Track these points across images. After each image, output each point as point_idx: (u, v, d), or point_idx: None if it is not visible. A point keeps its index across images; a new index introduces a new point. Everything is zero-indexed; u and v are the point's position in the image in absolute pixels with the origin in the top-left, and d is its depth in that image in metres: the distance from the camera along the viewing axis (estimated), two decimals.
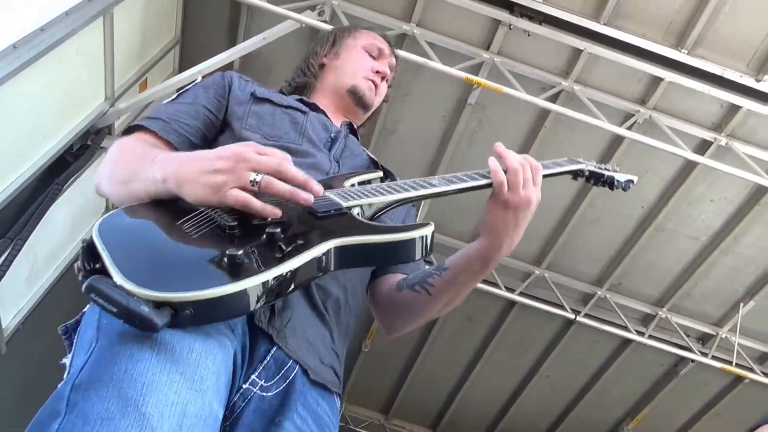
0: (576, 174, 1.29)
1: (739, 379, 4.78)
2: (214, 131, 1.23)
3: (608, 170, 1.30)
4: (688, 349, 4.73)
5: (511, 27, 3.54)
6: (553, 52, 3.67)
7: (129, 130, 1.16)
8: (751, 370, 4.66)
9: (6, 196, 2.60)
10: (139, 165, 0.97)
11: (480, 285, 4.51)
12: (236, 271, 0.78)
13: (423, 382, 5.62)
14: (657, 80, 3.64)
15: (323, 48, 1.51)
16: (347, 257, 0.90)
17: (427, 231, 0.95)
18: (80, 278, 0.79)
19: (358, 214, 0.98)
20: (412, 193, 1.05)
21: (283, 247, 0.84)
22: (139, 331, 0.74)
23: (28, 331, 3.10)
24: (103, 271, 0.78)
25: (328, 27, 3.36)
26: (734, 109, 3.68)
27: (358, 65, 1.46)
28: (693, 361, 4.74)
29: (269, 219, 0.88)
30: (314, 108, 1.35)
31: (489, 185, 1.07)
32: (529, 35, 3.57)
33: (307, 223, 0.92)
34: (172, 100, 1.24)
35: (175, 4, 3.73)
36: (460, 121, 4.00)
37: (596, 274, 4.72)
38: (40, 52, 2.46)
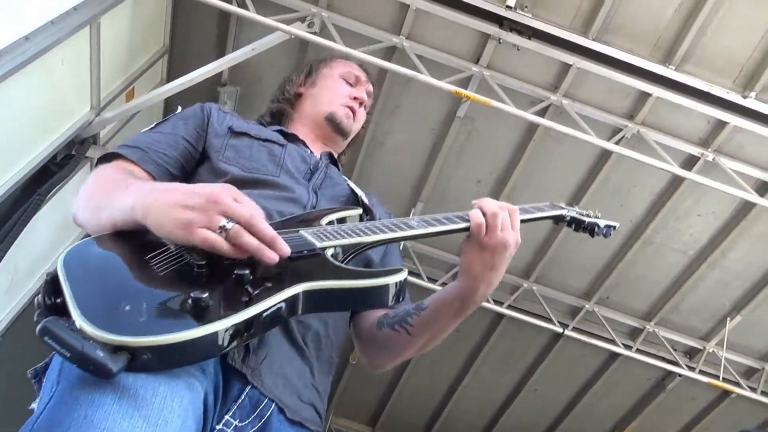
0: (557, 219, 1.31)
1: (726, 393, 4.78)
2: (193, 163, 1.22)
3: (589, 216, 1.32)
4: (676, 363, 4.74)
5: (501, 41, 3.55)
6: (542, 66, 3.68)
7: (107, 158, 1.14)
8: (737, 384, 4.67)
9: None
10: (114, 192, 0.96)
11: None
12: (199, 316, 0.76)
13: (411, 394, 5.59)
14: (645, 95, 3.66)
15: (299, 77, 1.51)
16: (317, 301, 0.88)
17: (400, 277, 0.93)
18: (36, 317, 0.77)
19: (332, 255, 0.96)
20: (389, 235, 1.04)
21: (250, 290, 0.82)
22: (95, 377, 0.72)
23: (7, 344, 3.05)
24: (63, 308, 0.76)
25: (317, 39, 3.36)
26: (721, 124, 3.71)
27: (334, 93, 1.47)
28: (680, 375, 4.74)
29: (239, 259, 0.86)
30: (293, 139, 1.35)
31: (466, 229, 1.06)
32: (518, 49, 3.58)
33: (279, 263, 0.89)
34: (151, 129, 1.23)
35: (163, 14, 3.71)
36: (449, 133, 3.99)
37: (584, 287, 4.72)
38: (24, 61, 2.43)
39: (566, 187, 4.20)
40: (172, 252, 0.87)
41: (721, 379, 4.61)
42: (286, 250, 0.87)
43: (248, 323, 0.80)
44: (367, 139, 4.05)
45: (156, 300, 0.80)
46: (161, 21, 3.73)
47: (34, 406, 0.85)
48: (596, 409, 5.37)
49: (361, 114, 1.49)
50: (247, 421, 0.92)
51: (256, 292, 0.82)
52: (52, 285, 0.79)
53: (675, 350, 4.83)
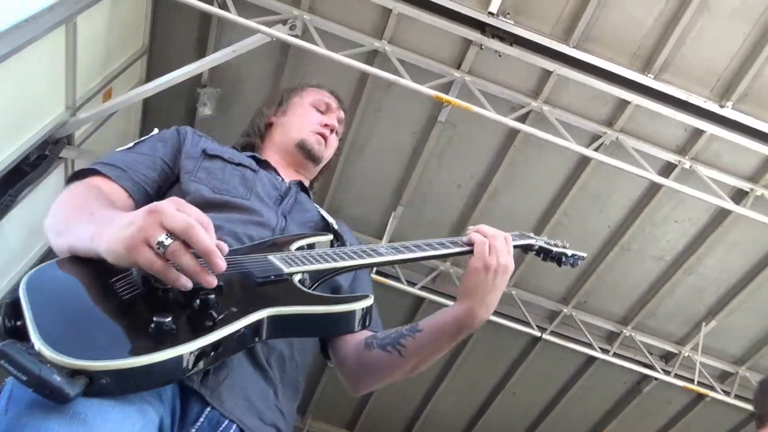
0: (526, 249, 1.33)
1: (701, 397, 4.85)
2: (168, 184, 1.22)
3: (557, 246, 1.34)
4: (651, 367, 4.79)
5: (482, 47, 3.56)
6: (524, 72, 3.69)
7: (82, 174, 1.12)
8: (712, 388, 4.74)
9: None
10: (78, 217, 0.94)
11: (447, 301, 4.53)
12: (161, 340, 0.76)
13: (389, 398, 5.58)
14: (624, 103, 3.70)
15: (270, 109, 1.52)
16: (282, 326, 0.88)
17: (366, 303, 0.94)
18: None
19: (299, 281, 0.96)
20: (357, 262, 1.05)
21: (215, 314, 0.81)
22: (51, 401, 0.70)
23: None
24: (23, 331, 0.74)
25: (298, 42, 3.34)
26: (698, 133, 3.76)
27: (305, 120, 1.48)
28: (656, 379, 4.80)
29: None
30: (265, 165, 1.36)
31: (438, 257, 1.10)
32: (499, 56, 3.59)
33: (245, 287, 0.90)
34: (129, 148, 1.23)
35: (143, 13, 3.66)
36: (430, 138, 4.00)
37: (563, 291, 4.76)
38: None
39: (546, 193, 4.23)
40: (136, 276, 0.86)
41: (695, 382, 4.67)
42: (222, 266, 0.82)
43: (212, 347, 0.79)
44: (347, 143, 4.04)
45: (118, 324, 0.79)
46: (141, 21, 3.68)
47: None
48: (573, 412, 5.41)
49: (333, 140, 1.49)
50: None
51: (220, 316, 0.81)
52: (12, 308, 0.78)
53: (651, 354, 4.88)
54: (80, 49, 2.98)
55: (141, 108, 4.03)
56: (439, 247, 1.11)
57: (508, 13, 3.45)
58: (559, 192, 4.20)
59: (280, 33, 3.33)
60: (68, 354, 0.71)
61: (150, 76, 3.86)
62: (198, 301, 0.82)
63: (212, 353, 0.80)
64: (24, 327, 0.75)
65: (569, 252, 1.34)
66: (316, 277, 1.01)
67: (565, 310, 4.77)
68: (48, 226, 1.00)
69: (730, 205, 3.73)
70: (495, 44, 3.52)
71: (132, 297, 0.83)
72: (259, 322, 0.85)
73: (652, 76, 3.55)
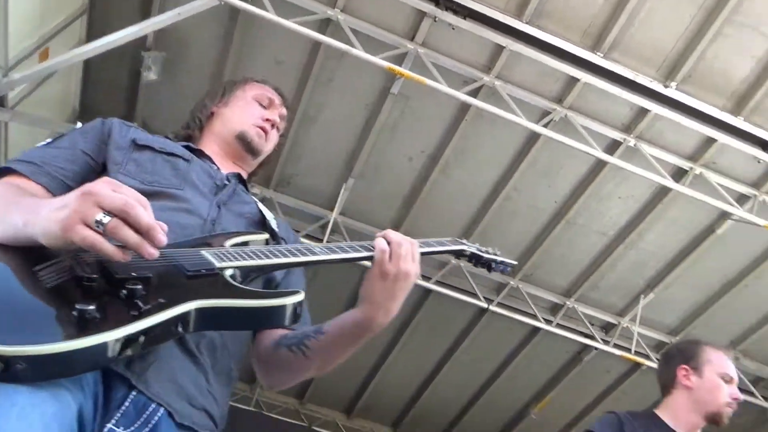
0: (458, 254, 1.36)
1: (637, 366, 5.08)
2: (94, 176, 1.18)
3: (488, 253, 1.37)
4: (592, 337, 4.98)
5: (436, 19, 3.53)
6: (477, 47, 3.69)
7: None
8: (647, 357, 4.96)
9: None
10: (4, 209, 0.91)
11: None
12: (82, 328, 0.75)
13: (337, 368, 5.59)
14: (573, 81, 3.75)
15: (212, 100, 1.48)
16: (210, 319, 0.89)
17: (296, 299, 0.95)
18: None
19: (231, 276, 0.96)
20: (291, 260, 1.06)
21: (141, 304, 0.81)
22: None
23: None
24: None
25: (247, 6, 3.23)
26: (643, 112, 3.85)
27: (247, 113, 1.45)
28: (596, 348, 4.99)
29: (133, 274, 0.85)
30: (200, 155, 1.33)
31: (369, 258, 1.09)
32: (453, 29, 3.57)
33: (175, 281, 0.89)
34: (47, 144, 1.19)
35: None
36: (383, 110, 3.97)
37: None
38: None
39: (496, 168, 4.28)
40: (63, 264, 0.85)
41: (633, 352, 4.88)
42: (162, 239, 0.84)
43: (138, 336, 0.79)
44: (299, 113, 3.97)
45: (39, 311, 0.78)
46: None
47: None
48: (518, 380, 5.59)
49: (273, 135, 1.48)
50: (132, 428, 0.89)
51: (146, 306, 0.81)
52: None
53: (592, 325, 5.07)
54: (11, 4, 2.81)
55: (81, 70, 3.85)
56: (370, 248, 1.11)
57: None
58: (509, 167, 4.25)
59: None
60: None
61: (90, 37, 3.68)
62: (124, 291, 0.82)
63: (139, 342, 0.80)
64: None
65: (499, 259, 1.38)
66: (248, 273, 1.02)
67: (512, 283, 4.88)
68: None
69: (670, 183, 3.86)
70: (449, 17, 3.50)
71: (56, 285, 0.82)
72: (186, 314, 0.85)
73: (602, 55, 3.60)
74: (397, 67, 3.44)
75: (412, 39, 3.67)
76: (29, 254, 0.85)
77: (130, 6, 3.69)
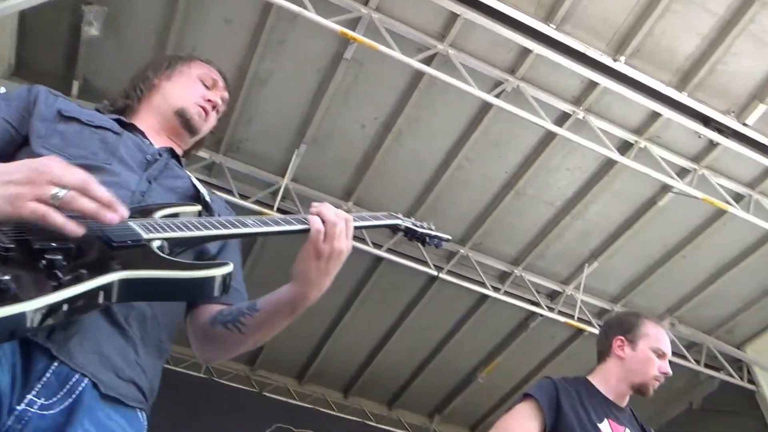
0: (393, 228, 1.39)
1: (580, 332, 5.27)
2: (14, 146, 1.14)
3: (423, 228, 1.41)
4: (538, 304, 5.13)
5: None
6: (431, 14, 3.66)
7: None
8: (590, 323, 5.15)
9: None
10: None
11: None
12: None
13: (288, 335, 5.60)
14: (526, 52, 3.77)
15: (155, 72, 1.43)
16: (135, 290, 0.88)
17: (224, 270, 0.95)
18: None
19: (159, 247, 0.95)
20: (221, 231, 1.05)
21: (60, 275, 0.79)
22: None
23: None
24: None
25: None
26: (593, 85, 3.91)
27: (190, 91, 1.42)
28: (541, 315, 5.15)
29: (53, 244, 0.83)
30: (131, 128, 1.29)
31: (304, 231, 1.10)
32: None
33: (99, 251, 0.87)
34: None
35: None
36: (336, 75, 3.91)
37: (460, 233, 4.93)
38: None
39: (449, 136, 4.29)
40: None
41: (576, 319, 5.07)
42: (124, 212, 0.87)
43: (57, 307, 0.77)
44: (249, 76, 3.87)
45: None
46: None
47: None
48: (467, 345, 5.73)
49: (213, 117, 1.45)
50: (54, 399, 0.88)
51: (67, 277, 0.79)
52: None
53: (538, 293, 5.22)
54: None
55: (16, 24, 3.65)
56: (305, 221, 1.11)
57: None
58: (462, 136, 4.27)
59: None
60: None
61: None
62: (44, 262, 0.80)
63: (62, 310, 0.78)
64: None
65: (433, 233, 1.42)
66: (177, 244, 1.00)
67: (462, 251, 4.96)
68: None
69: (616, 155, 3.96)
70: None
71: None
72: (109, 285, 0.84)
73: (554, 27, 3.62)
74: (350, 32, 3.39)
75: (366, 3, 3.60)
76: None
77: None
